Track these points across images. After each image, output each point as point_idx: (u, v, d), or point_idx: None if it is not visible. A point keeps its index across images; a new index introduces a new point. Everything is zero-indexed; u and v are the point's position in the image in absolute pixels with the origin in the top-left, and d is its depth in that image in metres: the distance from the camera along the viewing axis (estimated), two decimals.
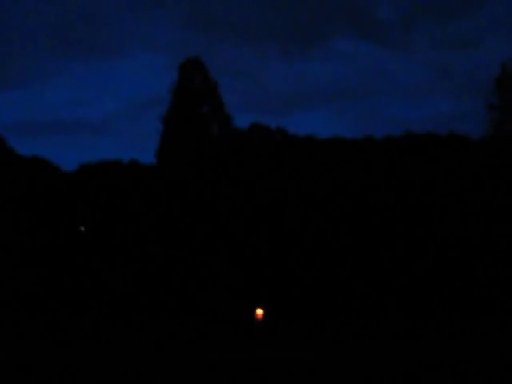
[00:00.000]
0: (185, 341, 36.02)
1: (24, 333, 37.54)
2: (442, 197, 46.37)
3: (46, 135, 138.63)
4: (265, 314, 41.33)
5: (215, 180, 46.45)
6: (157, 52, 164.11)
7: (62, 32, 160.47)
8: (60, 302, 44.84)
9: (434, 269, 43.72)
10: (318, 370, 24.18)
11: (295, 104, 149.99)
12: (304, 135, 55.28)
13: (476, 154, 50.22)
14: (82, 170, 56.94)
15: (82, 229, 54.38)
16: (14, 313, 42.35)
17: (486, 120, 49.06)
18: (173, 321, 42.00)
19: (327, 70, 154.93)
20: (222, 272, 45.14)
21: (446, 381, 19.47)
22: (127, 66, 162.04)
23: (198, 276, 45.75)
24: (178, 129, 47.20)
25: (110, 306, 44.98)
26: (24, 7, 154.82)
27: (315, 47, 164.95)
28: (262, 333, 39.39)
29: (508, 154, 48.72)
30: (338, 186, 47.37)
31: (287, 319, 41.42)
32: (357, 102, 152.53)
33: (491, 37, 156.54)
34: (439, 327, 39.00)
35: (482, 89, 52.45)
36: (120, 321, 43.35)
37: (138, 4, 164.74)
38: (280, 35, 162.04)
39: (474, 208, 46.87)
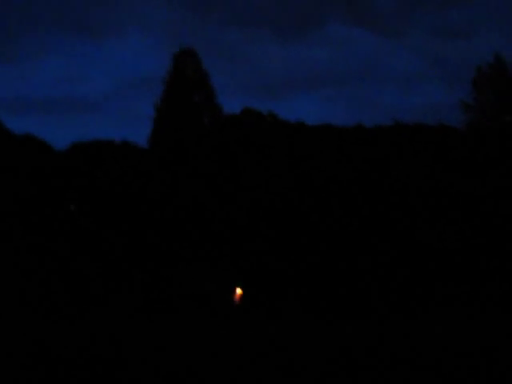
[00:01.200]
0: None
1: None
2: (430, 187, 47.21)
3: (37, 112, 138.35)
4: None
5: (205, 164, 47.19)
6: (151, 32, 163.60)
7: (57, 9, 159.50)
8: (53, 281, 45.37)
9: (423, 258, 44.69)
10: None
11: (289, 88, 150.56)
12: (294, 121, 56.06)
13: (464, 144, 51.12)
14: (73, 149, 57.35)
15: (72, 208, 54.93)
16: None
17: (462, 120, 50.63)
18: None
19: (322, 55, 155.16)
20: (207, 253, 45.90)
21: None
22: (121, 44, 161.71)
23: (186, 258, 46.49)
24: (170, 116, 48.17)
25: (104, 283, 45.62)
26: None
27: (310, 32, 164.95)
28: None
29: (492, 144, 49.66)
30: (326, 174, 48.12)
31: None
32: (350, 88, 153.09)
33: (485, 26, 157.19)
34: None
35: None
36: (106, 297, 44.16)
37: None
38: (275, 19, 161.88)
39: (463, 198, 47.74)
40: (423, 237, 45.45)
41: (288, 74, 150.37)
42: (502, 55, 50.65)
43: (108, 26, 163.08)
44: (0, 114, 53.84)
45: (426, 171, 47.99)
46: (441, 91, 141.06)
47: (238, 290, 42.31)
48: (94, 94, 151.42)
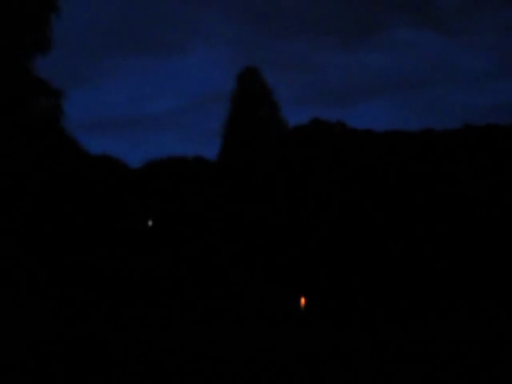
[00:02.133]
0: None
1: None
2: (498, 190, 46.71)
3: (111, 132, 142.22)
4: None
5: (275, 175, 48.20)
6: (216, 47, 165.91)
7: (124, 30, 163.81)
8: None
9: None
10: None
11: (357, 95, 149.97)
12: (363, 129, 56.33)
13: None
14: (148, 166, 59.30)
15: (150, 223, 56.75)
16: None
17: None
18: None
19: (388, 60, 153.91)
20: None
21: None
22: (188, 61, 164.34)
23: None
24: (236, 132, 50.02)
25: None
26: (85, 4, 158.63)
27: (375, 37, 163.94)
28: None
29: None
30: (396, 179, 48.19)
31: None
32: (419, 92, 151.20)
33: None
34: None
35: None
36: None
37: None
38: (339, 26, 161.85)
39: None
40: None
41: (354, 80, 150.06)
42: None
43: (175, 43, 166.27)
44: (78, 135, 55.74)
45: (495, 175, 47.44)
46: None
47: (302, 299, 42.94)
48: (164, 110, 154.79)
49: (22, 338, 29.63)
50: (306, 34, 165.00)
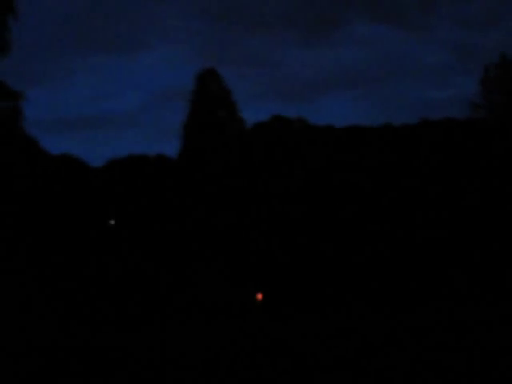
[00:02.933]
0: None
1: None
2: (458, 182, 47.64)
3: (72, 131, 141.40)
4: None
5: (234, 172, 48.61)
6: (176, 43, 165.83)
7: (82, 28, 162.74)
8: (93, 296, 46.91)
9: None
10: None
11: (318, 90, 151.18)
12: (323, 125, 56.92)
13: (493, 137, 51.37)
14: (110, 165, 59.16)
15: (112, 222, 56.69)
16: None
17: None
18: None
19: (348, 55, 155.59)
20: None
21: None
22: (148, 59, 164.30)
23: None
24: (196, 132, 50.52)
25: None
26: (44, 4, 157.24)
27: (335, 32, 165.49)
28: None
29: None
30: (354, 174, 48.87)
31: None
32: (379, 86, 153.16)
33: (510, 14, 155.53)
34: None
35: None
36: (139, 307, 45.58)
37: None
38: (299, 22, 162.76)
39: (492, 193, 48.04)
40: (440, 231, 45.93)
41: (316, 75, 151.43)
42: (507, 55, 51.50)
43: (134, 40, 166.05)
44: (37, 135, 55.44)
45: (453, 167, 48.38)
46: (472, 81, 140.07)
47: (259, 295, 43.58)
48: (125, 108, 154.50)
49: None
50: (266, 30, 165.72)
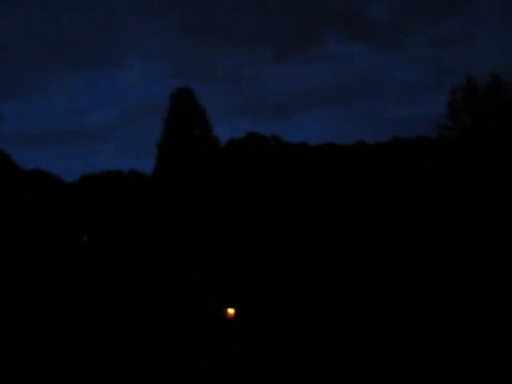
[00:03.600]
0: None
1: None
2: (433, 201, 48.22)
3: (45, 146, 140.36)
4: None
5: (210, 190, 48.73)
6: (152, 59, 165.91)
7: (58, 43, 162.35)
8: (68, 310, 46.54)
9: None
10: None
11: (291, 107, 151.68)
12: (297, 142, 57.32)
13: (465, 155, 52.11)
14: (83, 181, 58.85)
15: (85, 238, 56.34)
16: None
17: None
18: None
19: (322, 72, 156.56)
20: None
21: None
22: (124, 74, 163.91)
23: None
24: (170, 151, 50.99)
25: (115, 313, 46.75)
26: (19, 18, 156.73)
27: (308, 50, 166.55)
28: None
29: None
30: (329, 191, 49.21)
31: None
32: (353, 103, 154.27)
33: (485, 32, 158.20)
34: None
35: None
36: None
37: (132, 13, 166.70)
38: (273, 39, 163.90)
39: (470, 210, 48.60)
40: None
41: (290, 92, 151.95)
42: (473, 78, 52.72)
43: (110, 56, 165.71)
44: (9, 150, 55.17)
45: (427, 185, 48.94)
46: (446, 99, 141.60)
47: (231, 309, 43.75)
48: (100, 123, 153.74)
49: None
50: (240, 47, 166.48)
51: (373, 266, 46.85)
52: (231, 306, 44.47)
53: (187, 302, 44.54)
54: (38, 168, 59.66)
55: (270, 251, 46.37)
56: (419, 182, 50.46)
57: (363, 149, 56.26)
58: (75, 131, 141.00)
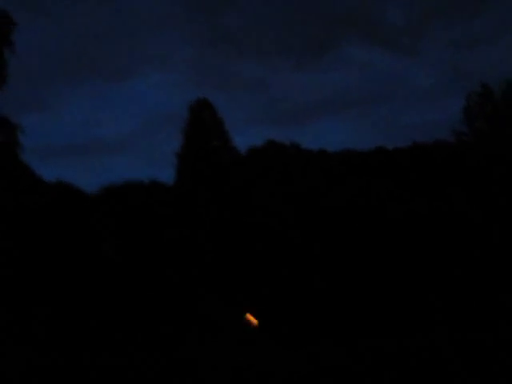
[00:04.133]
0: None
1: None
2: (452, 206, 48.27)
3: (65, 158, 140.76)
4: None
5: (231, 199, 49.13)
6: (169, 70, 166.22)
7: (75, 55, 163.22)
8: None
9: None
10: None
11: (311, 114, 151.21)
12: (317, 149, 57.58)
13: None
14: (104, 191, 59.32)
15: (106, 248, 56.83)
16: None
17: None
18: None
19: (340, 78, 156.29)
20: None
21: None
22: (141, 84, 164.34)
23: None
24: (190, 162, 51.51)
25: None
26: (38, 30, 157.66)
27: (327, 56, 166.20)
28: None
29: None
30: (350, 199, 49.40)
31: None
32: (372, 109, 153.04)
33: (503, 35, 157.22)
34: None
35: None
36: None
37: (148, 24, 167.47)
38: (291, 46, 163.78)
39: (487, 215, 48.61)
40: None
41: (310, 100, 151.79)
42: (488, 83, 52.76)
43: (127, 68, 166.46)
44: (31, 162, 55.67)
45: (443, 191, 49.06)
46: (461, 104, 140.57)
47: (253, 320, 43.87)
48: (117, 135, 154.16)
49: None
50: (260, 55, 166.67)
51: (396, 271, 47.03)
52: (254, 316, 44.66)
53: (212, 313, 44.90)
54: (59, 179, 60.23)
55: (292, 260, 46.67)
56: (436, 186, 50.60)
57: (382, 153, 56.49)
58: (93, 142, 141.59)
